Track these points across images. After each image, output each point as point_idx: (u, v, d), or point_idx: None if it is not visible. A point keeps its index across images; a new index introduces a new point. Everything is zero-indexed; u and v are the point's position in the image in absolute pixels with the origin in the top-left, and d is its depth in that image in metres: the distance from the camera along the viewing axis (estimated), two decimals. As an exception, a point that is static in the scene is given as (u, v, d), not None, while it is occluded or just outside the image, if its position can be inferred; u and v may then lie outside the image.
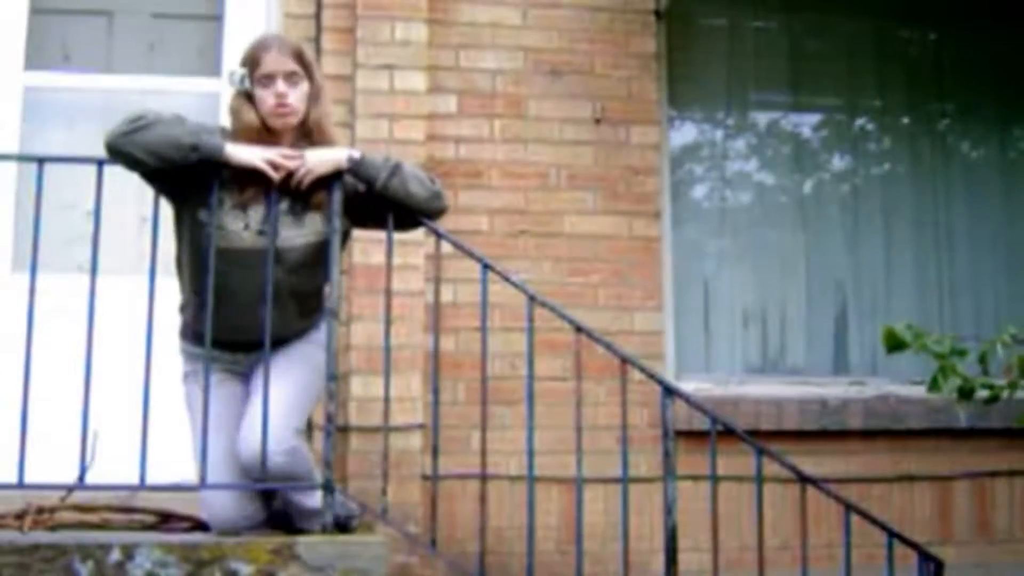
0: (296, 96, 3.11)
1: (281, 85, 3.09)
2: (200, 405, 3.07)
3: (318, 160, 3.07)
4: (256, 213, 3.08)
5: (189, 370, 3.21)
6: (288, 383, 3.05)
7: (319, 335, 3.19)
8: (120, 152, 3.00)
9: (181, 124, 3.02)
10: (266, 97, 3.09)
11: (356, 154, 3.12)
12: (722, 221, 4.92)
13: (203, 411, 2.99)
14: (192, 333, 3.18)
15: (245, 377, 3.20)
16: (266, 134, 3.11)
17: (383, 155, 3.20)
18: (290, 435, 2.99)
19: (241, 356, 3.17)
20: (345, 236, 3.23)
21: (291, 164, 3.04)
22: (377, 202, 3.16)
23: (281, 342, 3.13)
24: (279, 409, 2.98)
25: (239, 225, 3.08)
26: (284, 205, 3.10)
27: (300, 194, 3.10)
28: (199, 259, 3.07)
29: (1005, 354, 2.76)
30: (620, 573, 3.33)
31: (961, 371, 2.72)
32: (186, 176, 3.03)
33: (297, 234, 3.12)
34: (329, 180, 3.07)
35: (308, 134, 3.15)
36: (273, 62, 3.10)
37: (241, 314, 3.05)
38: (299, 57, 3.14)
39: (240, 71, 3.13)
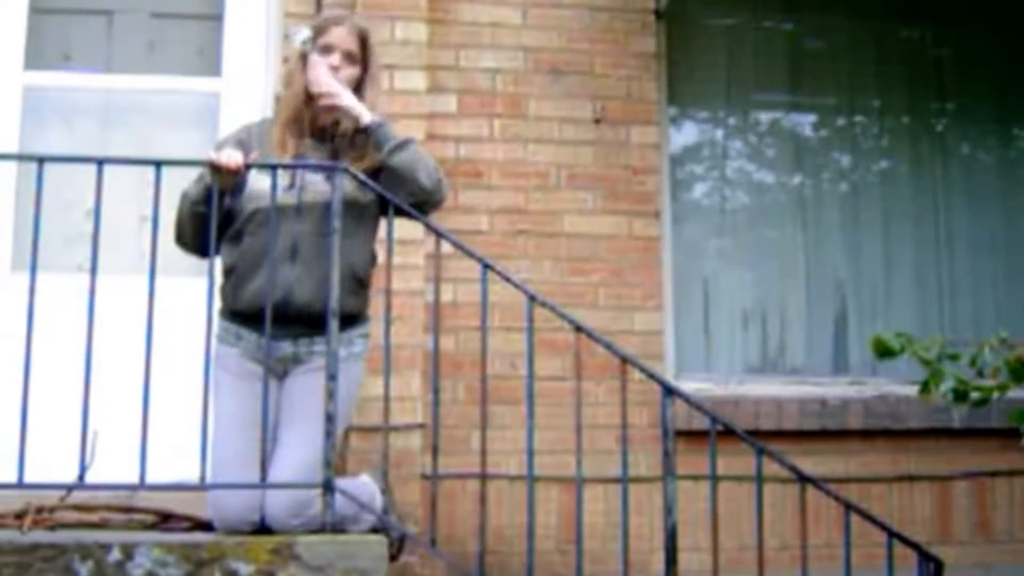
0: (345, 76, 3.27)
1: (337, 59, 3.25)
2: (220, 395, 3.11)
3: (349, 101, 3.22)
4: (283, 170, 3.15)
5: (217, 353, 3.18)
6: (315, 425, 3.01)
7: (358, 343, 3.25)
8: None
9: (184, 198, 3.23)
10: (318, 64, 3.25)
11: (379, 120, 3.24)
12: (722, 221, 4.92)
13: (204, 409, 2.99)
14: (225, 309, 3.22)
15: (280, 376, 3.19)
16: (306, 108, 3.25)
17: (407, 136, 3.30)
18: (308, 499, 2.97)
19: (273, 342, 3.09)
20: (375, 205, 3.28)
21: (232, 164, 3.08)
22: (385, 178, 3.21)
23: (317, 326, 3.09)
24: (301, 464, 3.00)
25: (265, 185, 3.12)
26: (313, 162, 3.21)
27: (333, 154, 3.23)
28: (232, 231, 3.18)
29: (993, 357, 2.77)
30: (620, 573, 3.33)
31: (955, 373, 2.73)
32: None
33: (325, 191, 3.15)
34: (333, 177, 3.11)
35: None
36: (339, 36, 3.29)
37: (267, 273, 3.06)
38: (363, 41, 3.32)
39: (307, 32, 3.30)
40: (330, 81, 3.23)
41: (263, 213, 3.13)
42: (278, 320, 3.05)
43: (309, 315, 3.12)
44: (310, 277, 3.12)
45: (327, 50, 3.27)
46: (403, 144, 3.22)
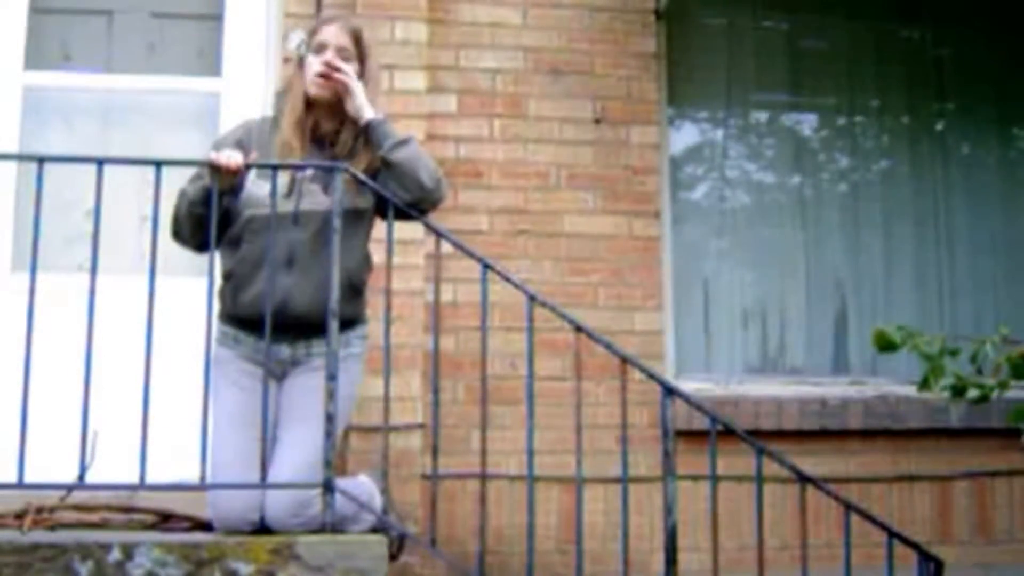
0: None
1: (330, 55, 3.25)
2: (219, 396, 3.11)
3: (357, 92, 3.22)
4: (281, 177, 3.14)
5: (216, 355, 3.19)
6: (314, 425, 3.02)
7: (355, 344, 3.26)
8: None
9: (182, 196, 3.21)
10: (313, 64, 3.26)
11: (381, 118, 3.25)
12: (722, 221, 4.92)
13: (204, 409, 2.99)
14: (223, 312, 3.23)
15: (279, 377, 3.21)
16: (306, 114, 3.26)
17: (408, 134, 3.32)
18: (308, 499, 2.97)
19: (271, 345, 3.10)
20: (370, 212, 3.30)
21: (232, 164, 3.07)
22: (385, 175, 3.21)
23: (315, 331, 3.11)
24: (301, 463, 3.00)
25: (263, 191, 3.13)
26: (311, 172, 3.21)
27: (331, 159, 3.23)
28: (230, 235, 3.19)
29: (995, 354, 2.77)
30: (620, 573, 3.33)
31: (954, 370, 2.72)
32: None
33: (324, 200, 3.17)
34: (333, 177, 3.11)
35: (349, 115, 3.27)
36: (330, 34, 3.29)
37: (265, 280, 3.07)
38: (356, 38, 3.32)
39: (301, 35, 3.33)
40: (347, 67, 3.25)
41: (260, 220, 3.13)
42: (275, 326, 3.05)
43: (306, 322, 3.13)
44: (306, 285, 3.13)
45: (320, 49, 3.27)
46: (404, 141, 3.22)
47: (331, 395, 2.97)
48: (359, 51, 3.32)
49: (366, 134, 3.23)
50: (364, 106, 3.24)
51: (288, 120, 3.27)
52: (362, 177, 3.16)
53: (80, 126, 4.48)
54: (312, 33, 3.33)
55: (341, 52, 3.27)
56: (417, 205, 3.21)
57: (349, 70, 3.24)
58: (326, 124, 3.30)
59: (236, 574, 2.74)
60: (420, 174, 3.19)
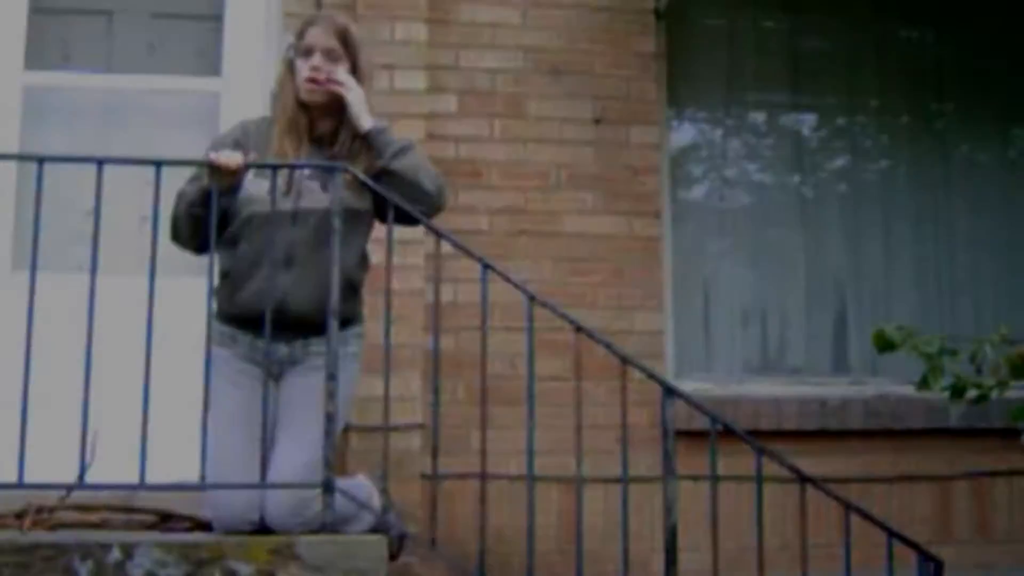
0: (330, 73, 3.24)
1: (317, 59, 3.22)
2: (216, 396, 3.10)
3: (356, 97, 3.20)
4: (279, 176, 3.13)
5: (213, 355, 3.16)
6: (314, 424, 3.00)
7: (353, 343, 3.25)
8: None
9: (181, 197, 3.21)
10: (302, 68, 3.23)
11: (381, 125, 3.24)
12: (722, 221, 4.92)
13: (204, 407, 2.98)
14: (220, 312, 3.22)
15: (276, 377, 3.20)
16: (302, 115, 3.25)
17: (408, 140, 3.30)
18: (308, 499, 2.96)
19: (269, 343, 3.08)
20: (369, 214, 3.29)
21: (232, 164, 3.06)
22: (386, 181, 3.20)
23: (313, 330, 3.12)
24: (300, 463, 3.00)
25: (262, 190, 3.12)
26: (309, 171, 3.20)
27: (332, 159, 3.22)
28: (228, 234, 3.18)
29: (994, 354, 2.77)
30: (620, 573, 3.33)
31: (954, 369, 2.73)
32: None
33: (322, 198, 3.16)
34: (331, 174, 3.11)
35: (344, 115, 3.25)
36: (315, 36, 3.26)
37: (263, 278, 3.07)
38: (343, 37, 3.27)
39: (291, 40, 3.32)
40: (346, 76, 3.23)
41: (259, 218, 3.13)
42: (273, 325, 3.03)
43: (305, 322, 3.13)
44: (305, 284, 3.13)
45: (308, 52, 3.25)
46: (405, 149, 3.21)
47: (331, 395, 2.97)
48: (347, 50, 3.27)
49: (365, 140, 3.23)
50: (362, 115, 3.22)
51: (279, 127, 3.25)
52: (363, 178, 3.16)
53: (80, 126, 4.48)
54: (298, 36, 3.30)
55: (329, 54, 3.24)
56: (423, 202, 3.21)
57: (344, 78, 3.22)
58: (323, 125, 3.29)
59: (236, 574, 2.74)
60: (422, 181, 3.19)
